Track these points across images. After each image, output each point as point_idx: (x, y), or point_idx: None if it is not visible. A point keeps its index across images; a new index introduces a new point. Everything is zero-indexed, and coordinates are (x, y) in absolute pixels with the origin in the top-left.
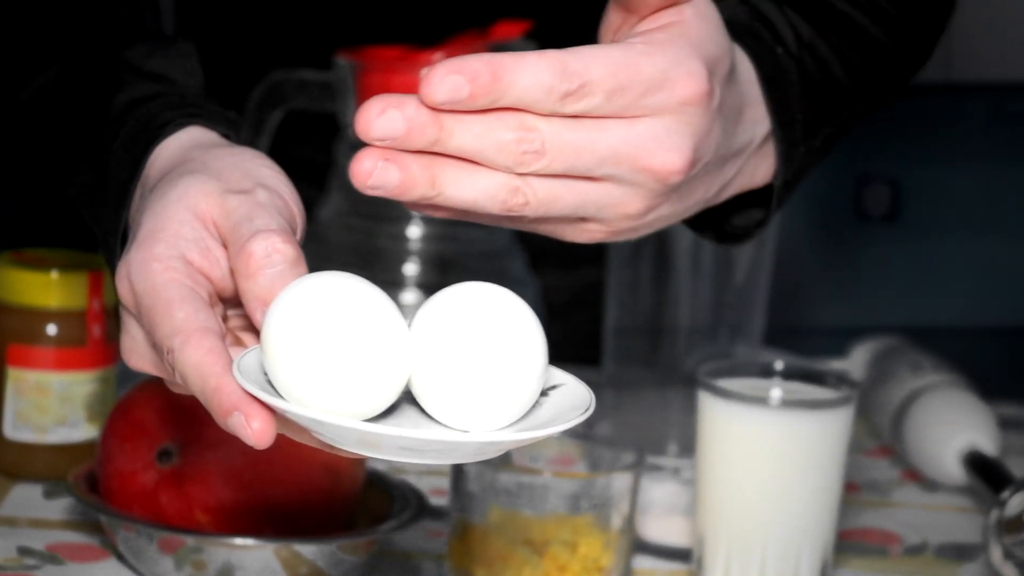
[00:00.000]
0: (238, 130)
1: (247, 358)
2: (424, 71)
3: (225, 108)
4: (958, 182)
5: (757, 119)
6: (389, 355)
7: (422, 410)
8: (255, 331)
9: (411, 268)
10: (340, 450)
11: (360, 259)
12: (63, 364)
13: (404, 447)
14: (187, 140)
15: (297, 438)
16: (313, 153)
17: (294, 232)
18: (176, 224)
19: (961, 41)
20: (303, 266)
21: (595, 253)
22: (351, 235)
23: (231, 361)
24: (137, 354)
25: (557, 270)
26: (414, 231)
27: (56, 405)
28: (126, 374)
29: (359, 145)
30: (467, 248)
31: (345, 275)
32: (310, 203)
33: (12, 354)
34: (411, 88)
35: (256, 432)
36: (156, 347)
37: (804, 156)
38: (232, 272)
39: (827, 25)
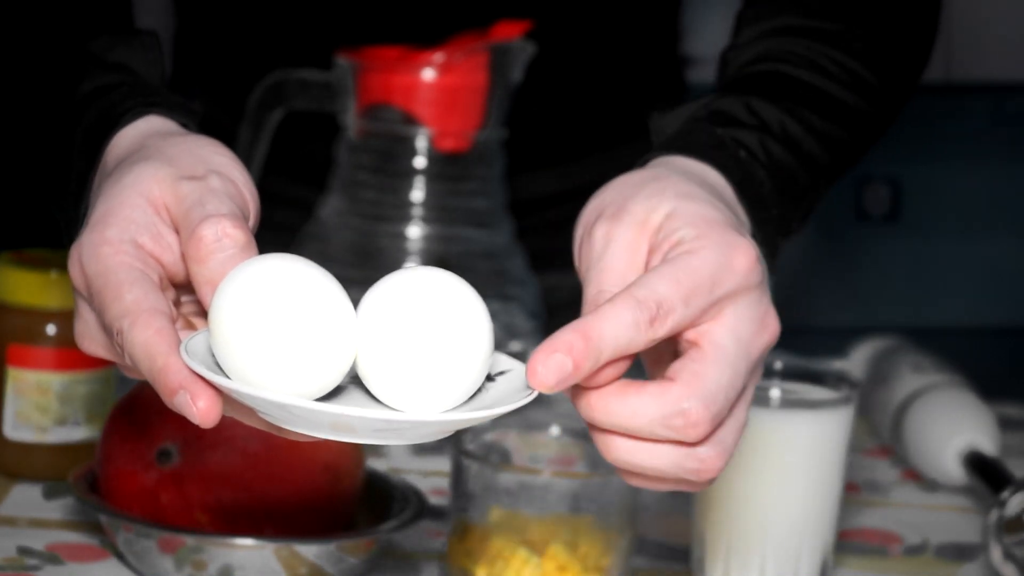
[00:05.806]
0: (197, 120)
1: (195, 340)
2: (528, 365)
3: (188, 99)
4: (958, 182)
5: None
6: (334, 336)
7: (368, 392)
8: (207, 316)
9: None
10: (284, 430)
11: (360, 259)
12: (63, 364)
13: (340, 426)
14: (145, 128)
15: (243, 419)
16: (313, 153)
17: (246, 218)
18: (128, 209)
19: (961, 41)
20: (254, 251)
21: None
22: (351, 235)
23: (179, 342)
24: (90, 338)
25: (557, 270)
26: (414, 231)
27: (56, 405)
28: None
29: (359, 145)
30: (467, 248)
31: (292, 257)
32: (310, 203)
33: (12, 354)
34: (411, 88)
35: (202, 411)
36: (106, 329)
37: (785, 227)
38: (183, 257)
39: (800, 103)
